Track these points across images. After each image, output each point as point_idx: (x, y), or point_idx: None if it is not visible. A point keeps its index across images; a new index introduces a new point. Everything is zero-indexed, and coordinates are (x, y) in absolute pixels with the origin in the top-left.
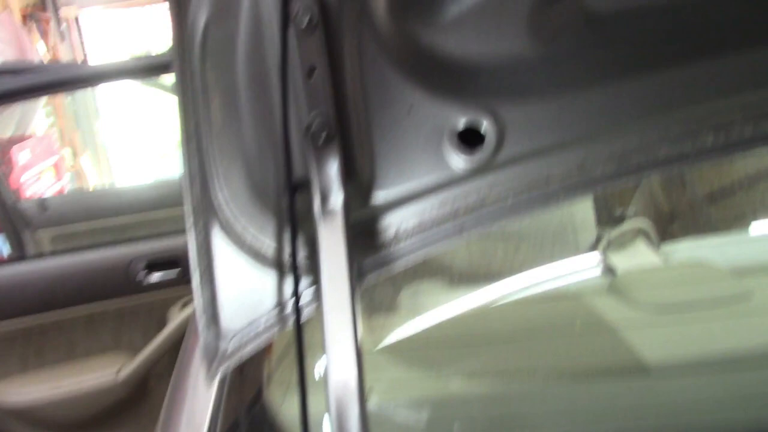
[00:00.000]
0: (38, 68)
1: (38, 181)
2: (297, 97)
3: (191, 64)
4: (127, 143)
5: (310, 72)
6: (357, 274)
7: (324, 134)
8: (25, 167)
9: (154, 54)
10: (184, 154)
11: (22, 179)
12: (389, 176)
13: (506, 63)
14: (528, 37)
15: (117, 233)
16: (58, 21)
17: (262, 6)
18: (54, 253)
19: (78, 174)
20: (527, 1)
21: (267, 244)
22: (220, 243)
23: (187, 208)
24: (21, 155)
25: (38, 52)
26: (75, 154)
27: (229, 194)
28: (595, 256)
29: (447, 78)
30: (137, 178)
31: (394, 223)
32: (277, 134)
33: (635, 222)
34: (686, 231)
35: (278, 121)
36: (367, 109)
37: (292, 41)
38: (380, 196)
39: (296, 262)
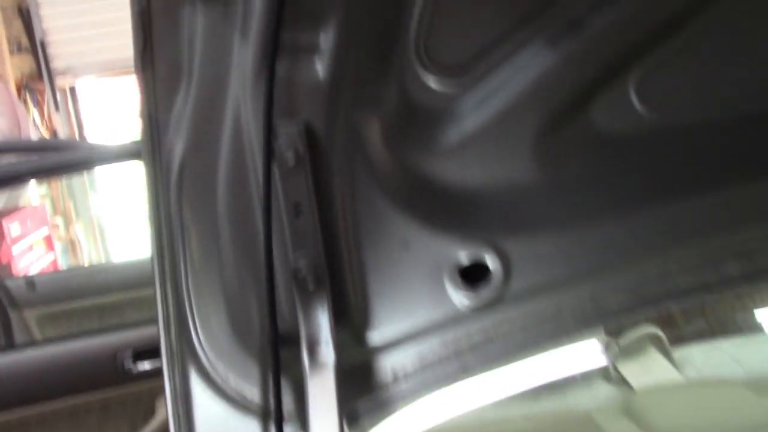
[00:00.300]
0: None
1: (30, 252)
2: (283, 236)
3: (167, 199)
4: (121, 214)
5: (296, 210)
6: (351, 418)
7: (312, 279)
8: (16, 239)
9: None
10: (158, 294)
11: (14, 251)
12: (385, 316)
13: (510, 192)
14: (534, 164)
15: (107, 312)
16: (54, 91)
17: (243, 137)
18: (35, 343)
19: (71, 244)
20: (533, 126)
21: (250, 391)
22: (198, 390)
23: (163, 352)
24: (12, 227)
25: (34, 122)
26: (68, 224)
27: (209, 337)
28: (605, 364)
29: (446, 210)
30: (130, 250)
31: (392, 364)
32: (260, 273)
33: (645, 328)
34: (687, 315)
35: (262, 261)
36: (360, 247)
37: (277, 175)
38: (376, 337)
39: (280, 415)
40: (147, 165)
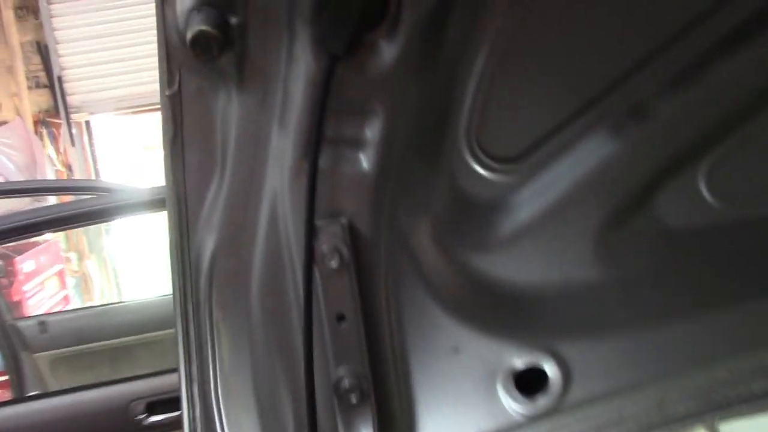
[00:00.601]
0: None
1: (42, 290)
2: (323, 342)
3: (196, 299)
4: (134, 251)
5: (338, 318)
6: None
7: (356, 393)
8: (30, 276)
9: None
10: (185, 399)
11: (25, 288)
12: (433, 426)
13: (569, 291)
14: (595, 260)
15: (119, 352)
16: (70, 126)
17: (280, 233)
18: (47, 394)
19: (83, 278)
20: (594, 218)
21: None
22: None
23: None
24: (25, 265)
25: (50, 157)
26: (80, 259)
27: None
28: None
29: (500, 312)
30: (143, 288)
31: None
32: (297, 381)
33: None
34: None
35: (299, 368)
36: (407, 354)
37: (318, 279)
38: None
39: None
40: (174, 260)
